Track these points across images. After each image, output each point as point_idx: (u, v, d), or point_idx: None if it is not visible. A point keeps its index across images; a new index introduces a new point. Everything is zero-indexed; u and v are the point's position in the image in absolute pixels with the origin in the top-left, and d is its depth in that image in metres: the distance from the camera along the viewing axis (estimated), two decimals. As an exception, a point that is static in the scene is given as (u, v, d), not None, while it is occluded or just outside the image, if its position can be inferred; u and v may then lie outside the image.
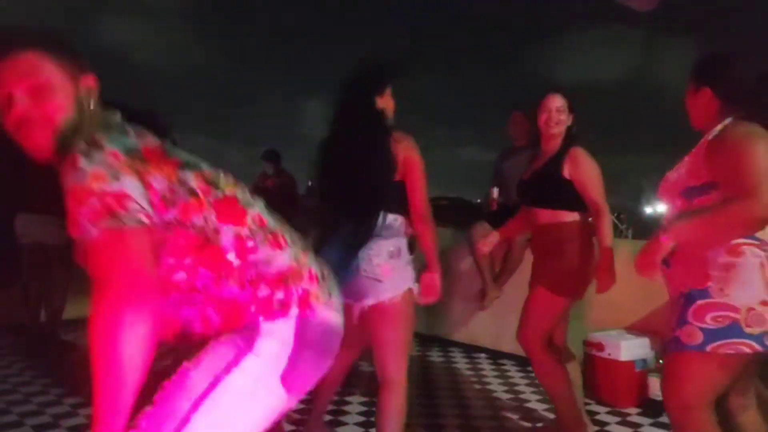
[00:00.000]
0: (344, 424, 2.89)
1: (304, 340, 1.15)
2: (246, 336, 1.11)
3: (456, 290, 4.25)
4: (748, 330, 1.59)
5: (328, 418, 2.96)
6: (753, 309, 1.60)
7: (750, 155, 1.56)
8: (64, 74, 1.12)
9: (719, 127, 1.70)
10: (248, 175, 5.88)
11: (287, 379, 1.13)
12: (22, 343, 4.14)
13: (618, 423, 2.95)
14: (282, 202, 5.35)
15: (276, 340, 1.12)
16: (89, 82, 1.16)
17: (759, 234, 1.63)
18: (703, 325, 1.63)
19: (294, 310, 1.14)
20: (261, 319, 1.12)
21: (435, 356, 4.21)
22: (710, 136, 1.70)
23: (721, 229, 1.59)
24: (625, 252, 3.64)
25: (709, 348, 1.61)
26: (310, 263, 1.22)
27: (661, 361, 3.15)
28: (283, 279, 1.15)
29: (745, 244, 1.63)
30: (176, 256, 1.10)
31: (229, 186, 1.17)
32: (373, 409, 3.07)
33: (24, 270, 4.15)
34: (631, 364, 3.13)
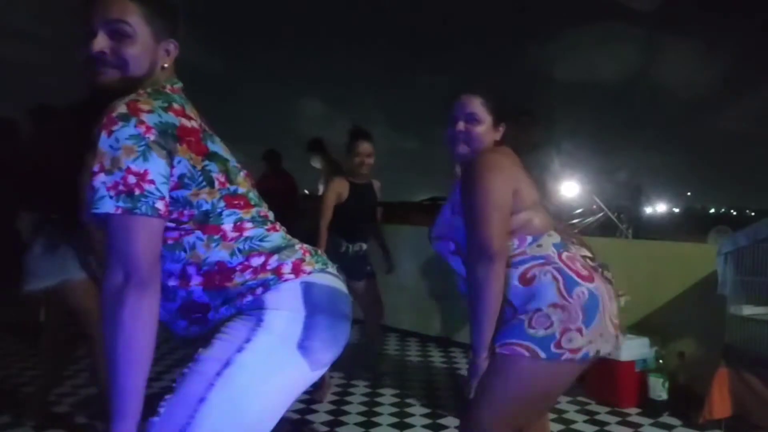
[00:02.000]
0: (344, 424, 2.89)
1: (313, 304, 1.16)
2: (253, 313, 1.13)
3: (456, 290, 4.25)
4: (530, 331, 1.49)
5: (328, 418, 2.96)
6: (540, 310, 1.50)
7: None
8: (150, 29, 1.15)
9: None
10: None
11: (305, 347, 1.14)
12: (23, 343, 4.14)
13: (618, 423, 2.95)
14: (282, 203, 5.30)
15: (284, 310, 1.14)
16: (170, 46, 1.19)
17: (538, 251, 1.57)
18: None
19: (290, 275, 1.16)
20: (261, 291, 1.13)
21: (435, 356, 4.22)
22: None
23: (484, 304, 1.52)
24: (625, 253, 3.65)
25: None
26: (301, 242, 1.27)
27: (661, 361, 3.16)
28: (276, 250, 1.18)
29: (533, 266, 1.55)
30: (174, 222, 1.12)
31: (244, 185, 1.20)
32: (374, 409, 3.08)
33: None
34: (631, 364, 3.13)
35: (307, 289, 1.17)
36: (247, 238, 1.17)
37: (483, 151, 1.67)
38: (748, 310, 2.79)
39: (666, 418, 3.00)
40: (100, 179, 1.00)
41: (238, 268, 1.14)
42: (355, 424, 2.89)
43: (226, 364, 1.08)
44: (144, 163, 1.01)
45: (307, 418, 2.95)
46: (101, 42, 1.11)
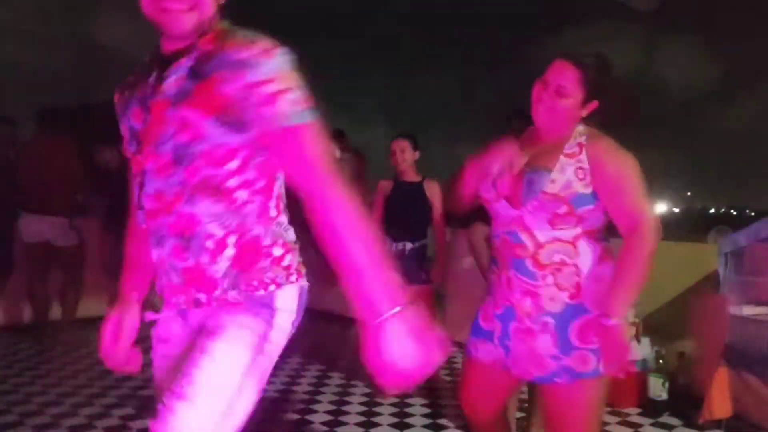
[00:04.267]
0: (344, 424, 2.89)
1: (302, 309, 1.20)
2: (264, 311, 1.13)
3: (456, 290, 4.25)
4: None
5: (328, 418, 2.96)
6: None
7: (636, 177, 1.51)
8: None
9: (581, 129, 1.59)
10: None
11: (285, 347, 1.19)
12: (23, 343, 4.14)
13: (618, 423, 2.95)
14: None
15: (287, 312, 1.16)
16: None
17: None
18: (592, 347, 1.51)
19: (295, 276, 1.18)
20: (273, 288, 1.14)
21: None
22: (580, 140, 1.56)
23: (643, 274, 1.50)
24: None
25: (602, 368, 1.51)
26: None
27: (661, 361, 3.16)
28: (293, 246, 1.20)
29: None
30: (248, 184, 1.12)
31: None
32: (374, 409, 3.08)
33: (28, 269, 4.16)
34: (631, 364, 3.13)
35: (302, 294, 1.19)
36: (279, 222, 1.18)
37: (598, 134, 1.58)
38: (748, 310, 2.79)
39: (666, 418, 3.00)
40: (290, 96, 1.03)
41: (263, 251, 1.14)
42: (355, 424, 2.89)
43: (250, 363, 1.09)
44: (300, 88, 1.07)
45: (307, 418, 2.95)
46: None
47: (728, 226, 3.29)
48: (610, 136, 1.59)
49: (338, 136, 5.04)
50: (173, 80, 1.09)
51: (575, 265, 1.54)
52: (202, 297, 1.14)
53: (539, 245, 1.54)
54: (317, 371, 3.66)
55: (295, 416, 2.97)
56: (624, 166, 1.52)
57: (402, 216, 3.32)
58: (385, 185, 3.42)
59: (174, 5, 1.06)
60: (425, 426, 2.88)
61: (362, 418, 2.96)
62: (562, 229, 1.53)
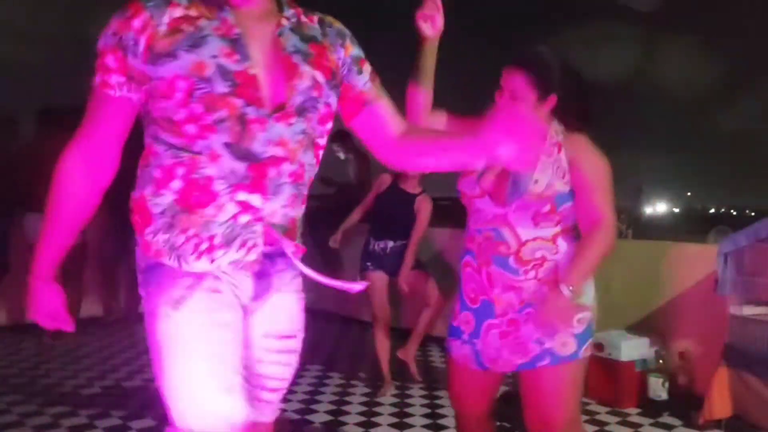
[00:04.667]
0: (344, 423, 2.89)
1: None
2: (295, 282, 1.26)
3: (456, 290, 4.25)
4: (594, 328, 1.64)
5: (328, 418, 2.96)
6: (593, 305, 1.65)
7: (605, 177, 1.60)
8: None
9: (556, 127, 1.62)
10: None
11: None
12: (24, 343, 4.14)
13: (618, 423, 2.95)
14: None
15: None
16: None
17: None
18: (574, 331, 1.58)
19: None
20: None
21: (435, 356, 4.21)
22: (557, 138, 1.60)
23: (597, 264, 1.59)
24: (625, 253, 3.65)
25: (581, 353, 1.60)
26: None
27: (661, 361, 3.16)
28: None
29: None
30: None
31: None
32: (374, 409, 3.08)
33: (30, 269, 4.15)
34: (631, 364, 3.13)
35: None
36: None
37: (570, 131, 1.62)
38: (748, 310, 2.79)
39: (666, 418, 3.00)
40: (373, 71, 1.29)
41: None
42: (355, 424, 2.89)
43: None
44: None
45: (307, 418, 2.95)
46: None
47: (728, 226, 3.29)
48: (587, 132, 1.64)
49: (342, 137, 5.04)
50: (288, 38, 1.14)
51: (555, 261, 1.60)
52: (290, 249, 1.16)
53: (522, 243, 1.59)
54: (317, 371, 3.68)
55: (295, 416, 2.97)
56: (596, 166, 1.60)
57: (388, 220, 3.42)
58: (384, 181, 3.47)
59: None
60: (425, 426, 2.88)
61: (362, 418, 2.95)
62: (543, 227, 1.59)
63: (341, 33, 1.22)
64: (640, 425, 2.93)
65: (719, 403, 2.75)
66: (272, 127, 1.09)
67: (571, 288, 1.52)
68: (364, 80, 1.24)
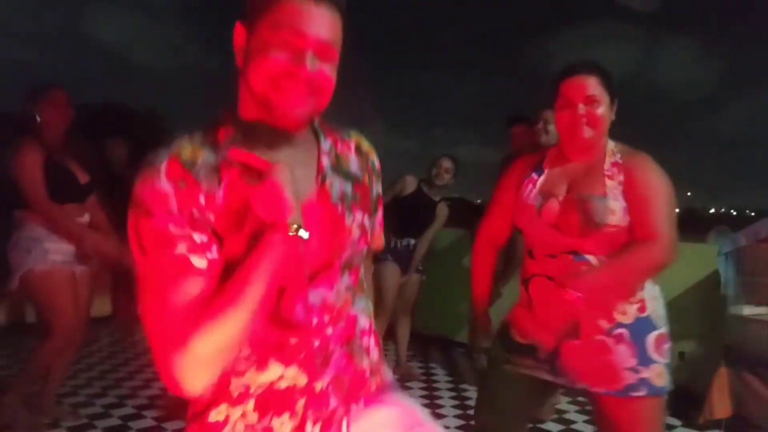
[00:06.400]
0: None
1: None
2: None
3: (457, 290, 4.25)
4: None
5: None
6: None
7: (665, 197, 1.49)
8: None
9: (613, 146, 1.56)
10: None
11: None
12: (25, 343, 4.14)
13: (618, 423, 2.94)
14: None
15: None
16: None
17: None
18: (664, 360, 1.56)
19: None
20: None
21: (436, 356, 4.21)
22: (615, 159, 1.54)
23: (632, 277, 1.52)
24: (625, 252, 3.63)
25: (668, 386, 1.55)
26: None
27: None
28: None
29: None
30: None
31: None
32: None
33: None
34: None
35: None
36: None
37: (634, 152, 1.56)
38: (748, 310, 2.79)
39: (666, 418, 3.00)
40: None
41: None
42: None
43: None
44: None
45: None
46: (311, 64, 0.87)
47: (728, 226, 3.29)
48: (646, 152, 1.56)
49: None
50: (331, 181, 0.94)
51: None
52: (360, 405, 1.00)
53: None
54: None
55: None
56: (656, 183, 1.50)
57: (410, 221, 3.64)
58: (409, 183, 3.66)
59: (298, 87, 0.87)
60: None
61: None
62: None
63: (375, 165, 1.04)
64: (640, 425, 2.92)
65: (719, 403, 2.75)
66: (313, 293, 0.91)
67: (579, 293, 1.42)
68: (376, 219, 1.05)
